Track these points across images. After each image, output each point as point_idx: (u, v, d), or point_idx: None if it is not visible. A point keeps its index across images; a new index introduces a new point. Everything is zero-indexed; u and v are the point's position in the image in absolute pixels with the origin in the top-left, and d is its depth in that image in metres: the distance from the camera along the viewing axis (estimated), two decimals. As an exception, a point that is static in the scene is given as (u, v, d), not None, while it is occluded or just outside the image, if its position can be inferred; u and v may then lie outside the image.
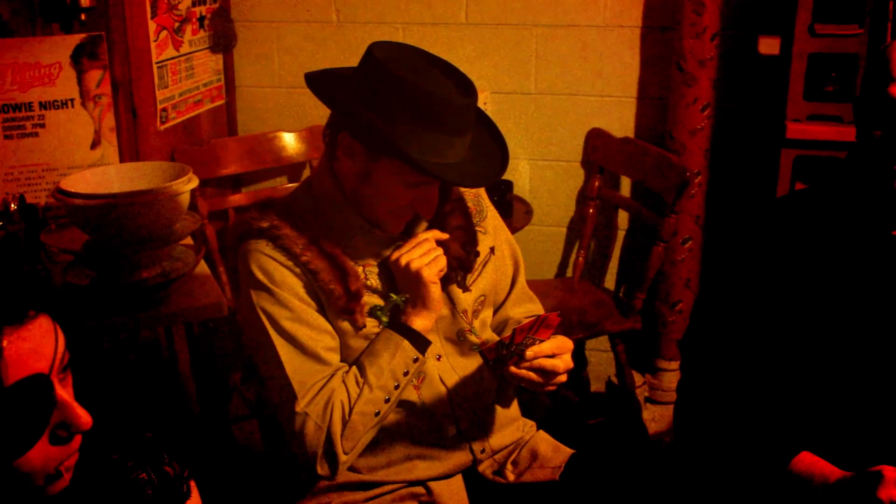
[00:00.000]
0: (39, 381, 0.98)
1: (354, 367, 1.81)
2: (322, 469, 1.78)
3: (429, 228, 1.89)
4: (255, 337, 1.81)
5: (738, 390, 1.76)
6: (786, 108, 2.92)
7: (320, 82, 1.78)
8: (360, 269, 1.82)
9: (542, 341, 1.72)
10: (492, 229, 2.00)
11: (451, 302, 1.91)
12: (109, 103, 2.79)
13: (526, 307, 2.08)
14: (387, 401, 1.80)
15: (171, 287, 2.46)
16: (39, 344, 1.00)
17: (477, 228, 1.95)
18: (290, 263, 1.76)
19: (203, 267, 2.67)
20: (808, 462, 1.66)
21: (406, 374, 1.81)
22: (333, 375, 1.79)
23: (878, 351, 1.70)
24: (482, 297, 1.97)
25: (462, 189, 1.96)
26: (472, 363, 1.95)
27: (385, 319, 1.83)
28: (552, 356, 1.75)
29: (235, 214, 3.31)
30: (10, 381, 0.96)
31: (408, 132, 1.66)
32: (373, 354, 1.81)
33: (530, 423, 2.10)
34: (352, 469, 1.88)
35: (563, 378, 1.79)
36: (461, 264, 1.89)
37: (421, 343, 1.83)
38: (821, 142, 2.89)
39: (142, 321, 2.46)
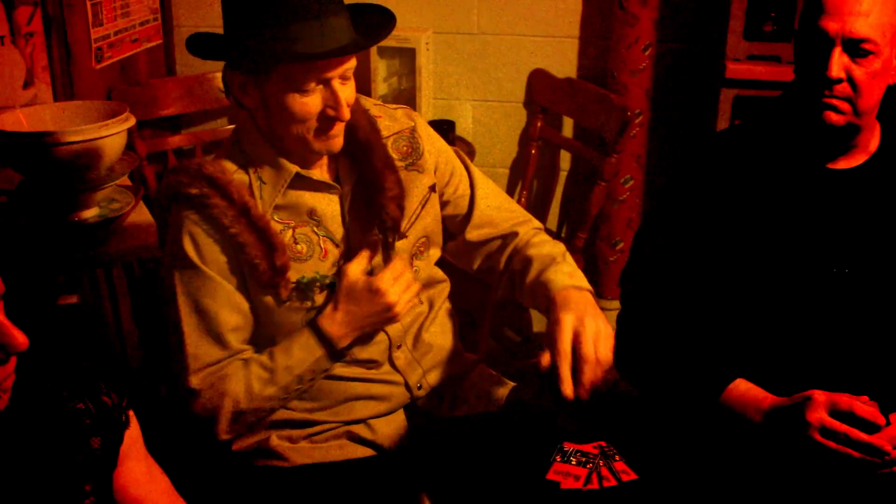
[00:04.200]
0: None
1: (263, 359, 1.80)
2: (209, 432, 1.81)
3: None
4: (168, 297, 1.80)
5: (676, 320, 1.79)
6: (725, 48, 2.94)
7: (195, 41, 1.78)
8: (290, 232, 1.79)
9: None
10: (431, 164, 1.96)
11: (387, 249, 1.87)
12: (42, 41, 2.72)
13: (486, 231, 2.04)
14: (284, 400, 1.82)
15: (109, 228, 2.43)
16: None
17: (413, 169, 1.92)
18: (217, 236, 1.74)
19: (142, 208, 2.63)
20: (743, 389, 1.70)
21: (311, 379, 1.82)
22: (232, 360, 1.79)
23: (813, 280, 1.74)
24: (423, 239, 1.96)
25: (393, 129, 1.92)
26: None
27: (315, 298, 1.81)
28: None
29: (171, 166, 3.27)
30: None
31: (270, 33, 1.62)
32: (287, 354, 1.80)
33: (472, 358, 2.11)
34: (288, 408, 1.89)
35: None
36: (395, 224, 1.85)
37: (338, 356, 1.83)
38: (760, 81, 2.92)
39: (79, 262, 2.43)
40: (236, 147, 1.83)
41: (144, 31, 3.34)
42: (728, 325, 1.79)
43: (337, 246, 1.84)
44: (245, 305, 1.80)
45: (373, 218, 1.84)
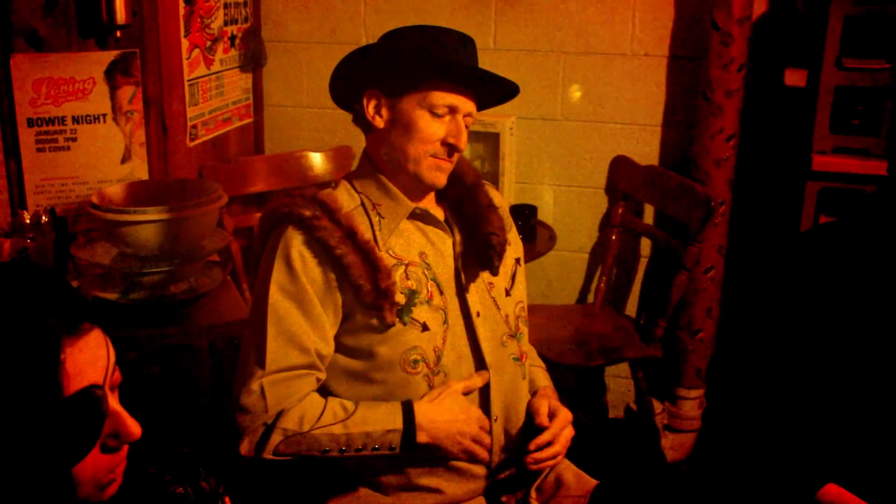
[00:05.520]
0: (94, 393, 1.00)
1: (346, 403, 1.81)
2: (244, 449, 1.78)
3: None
4: (253, 307, 1.84)
5: (766, 420, 1.76)
6: (811, 141, 2.93)
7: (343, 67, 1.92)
8: (402, 268, 1.84)
9: None
10: (515, 244, 2.03)
11: (496, 305, 1.93)
12: (141, 119, 2.83)
13: None
14: (342, 451, 1.78)
15: (197, 302, 2.48)
16: (94, 356, 1.02)
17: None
18: (323, 257, 1.79)
19: (228, 283, 2.69)
20: (835, 493, 1.67)
21: (375, 449, 1.79)
22: (309, 374, 1.79)
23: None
24: (520, 304, 1.99)
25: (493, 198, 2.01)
26: (511, 375, 1.94)
27: (407, 318, 1.83)
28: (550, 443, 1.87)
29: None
30: (69, 392, 0.98)
31: (426, 49, 1.78)
32: (371, 409, 1.80)
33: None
34: (378, 490, 1.89)
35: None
36: (501, 249, 1.92)
37: (410, 444, 1.80)
38: (846, 174, 2.89)
39: (167, 336, 2.48)
40: (350, 188, 1.91)
41: (237, 109, 3.44)
42: (819, 427, 1.76)
43: (441, 292, 1.87)
44: (330, 336, 1.82)
45: (480, 251, 1.91)
